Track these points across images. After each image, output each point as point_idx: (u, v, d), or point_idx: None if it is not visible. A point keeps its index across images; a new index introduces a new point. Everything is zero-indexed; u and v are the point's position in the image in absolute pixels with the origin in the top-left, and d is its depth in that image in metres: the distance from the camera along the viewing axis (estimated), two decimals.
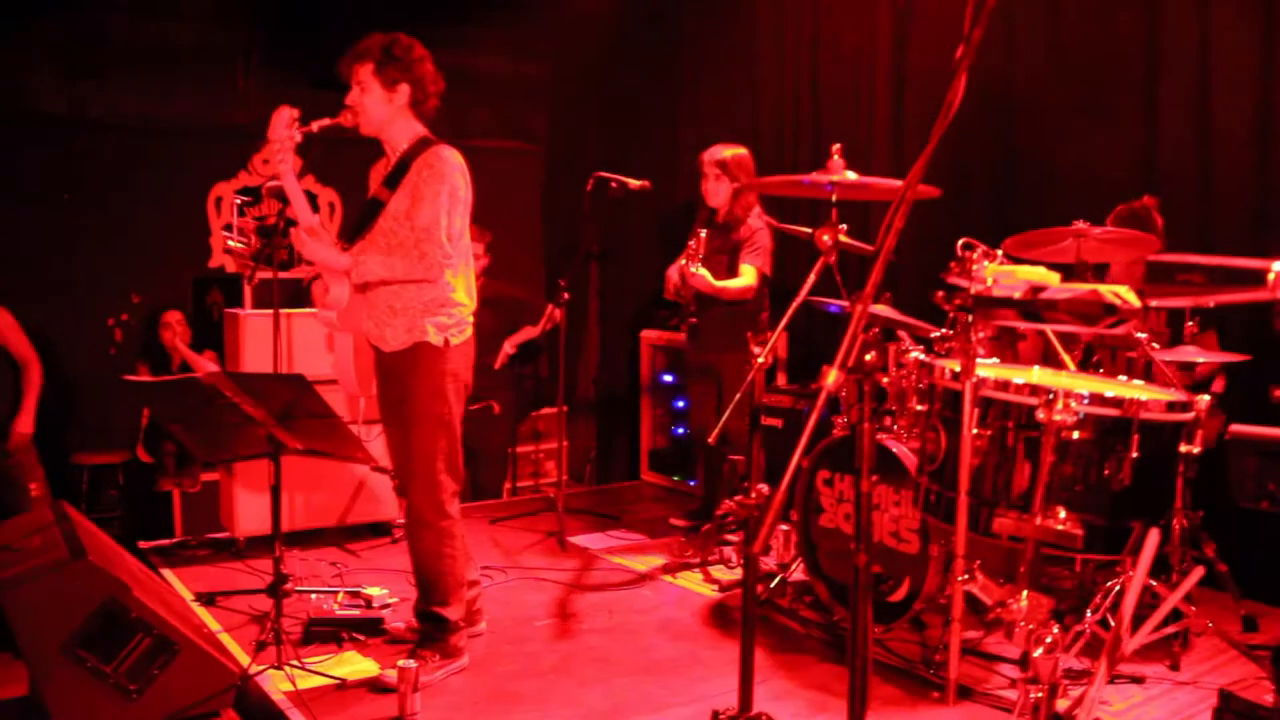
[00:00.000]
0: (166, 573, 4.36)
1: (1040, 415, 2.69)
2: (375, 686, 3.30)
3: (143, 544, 4.75)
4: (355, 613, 3.78)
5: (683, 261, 4.57)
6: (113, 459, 6.19)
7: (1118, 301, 2.56)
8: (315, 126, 3.41)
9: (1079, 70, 4.71)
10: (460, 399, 3.51)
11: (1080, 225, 3.61)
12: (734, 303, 4.76)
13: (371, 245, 3.45)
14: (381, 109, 3.42)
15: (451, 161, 3.39)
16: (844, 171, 3.50)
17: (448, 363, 3.43)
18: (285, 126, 3.36)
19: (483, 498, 5.93)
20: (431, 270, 3.34)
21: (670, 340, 6.24)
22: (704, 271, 4.54)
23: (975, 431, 2.86)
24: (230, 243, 4.98)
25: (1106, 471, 2.75)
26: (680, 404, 6.25)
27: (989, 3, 1.91)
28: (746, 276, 4.70)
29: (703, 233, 4.54)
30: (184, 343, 5.98)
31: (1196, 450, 3.10)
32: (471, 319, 3.53)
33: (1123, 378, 3.34)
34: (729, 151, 4.81)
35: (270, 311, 4.49)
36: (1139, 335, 3.36)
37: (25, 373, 5.19)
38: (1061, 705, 2.74)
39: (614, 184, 4.92)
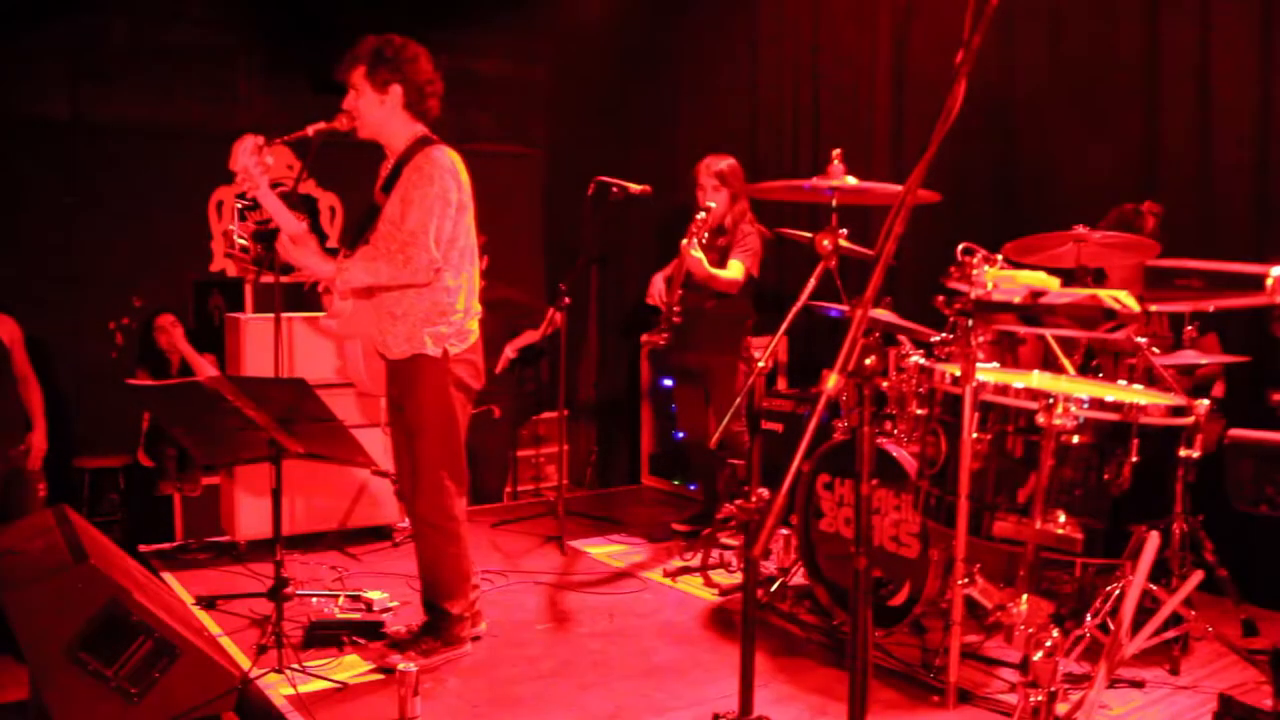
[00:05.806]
0: (167, 576, 4.37)
1: (1040, 420, 2.69)
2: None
3: (144, 547, 4.75)
4: (356, 616, 3.79)
5: (684, 241, 4.57)
6: (114, 463, 6.19)
7: (1117, 306, 2.57)
8: (311, 130, 3.38)
9: (1079, 75, 4.71)
10: (465, 407, 3.51)
11: (1080, 230, 3.61)
12: (719, 304, 4.78)
13: (370, 251, 3.43)
14: (375, 111, 3.41)
15: (441, 163, 3.35)
16: (844, 176, 3.51)
17: (449, 373, 3.43)
18: (248, 155, 3.32)
19: (483, 502, 5.93)
20: (418, 274, 3.31)
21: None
22: (700, 255, 4.57)
23: (975, 436, 2.86)
24: (239, 243, 4.99)
25: (1106, 476, 2.75)
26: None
27: (989, 8, 1.92)
28: (734, 270, 4.75)
29: (701, 215, 4.55)
30: (182, 340, 5.94)
31: (1196, 454, 3.10)
32: (475, 326, 3.52)
33: (1122, 382, 3.35)
34: (724, 162, 4.87)
35: (271, 315, 4.50)
36: (1139, 340, 3.36)
37: (25, 388, 5.19)
38: (1061, 709, 2.74)
39: (614, 188, 4.93)
